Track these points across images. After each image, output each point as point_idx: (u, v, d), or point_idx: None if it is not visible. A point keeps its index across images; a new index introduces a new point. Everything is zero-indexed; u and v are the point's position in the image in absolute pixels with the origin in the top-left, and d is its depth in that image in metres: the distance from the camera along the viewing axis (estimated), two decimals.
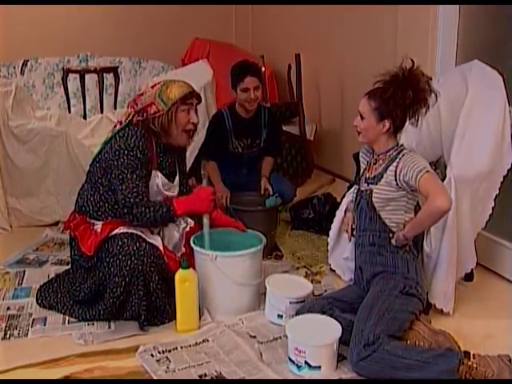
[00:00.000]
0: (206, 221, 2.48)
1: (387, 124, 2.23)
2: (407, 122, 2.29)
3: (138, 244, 2.31)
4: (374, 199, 2.26)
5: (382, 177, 2.25)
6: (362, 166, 2.46)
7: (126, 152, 2.35)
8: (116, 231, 2.39)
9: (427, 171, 2.14)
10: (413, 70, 2.20)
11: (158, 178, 2.47)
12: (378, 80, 2.24)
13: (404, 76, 2.20)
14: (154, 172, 2.46)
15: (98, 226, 2.45)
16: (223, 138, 3.39)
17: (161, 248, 2.42)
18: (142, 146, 2.37)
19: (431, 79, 2.25)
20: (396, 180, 2.20)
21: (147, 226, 2.43)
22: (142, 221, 2.36)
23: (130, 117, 2.45)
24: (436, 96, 2.25)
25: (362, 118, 2.28)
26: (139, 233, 2.39)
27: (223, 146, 3.40)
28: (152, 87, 2.47)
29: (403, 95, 2.18)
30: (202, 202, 2.43)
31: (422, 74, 2.21)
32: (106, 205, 2.45)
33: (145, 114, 2.42)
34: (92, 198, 2.47)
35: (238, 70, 3.38)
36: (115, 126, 2.51)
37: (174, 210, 2.38)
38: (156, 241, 2.43)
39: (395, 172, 2.20)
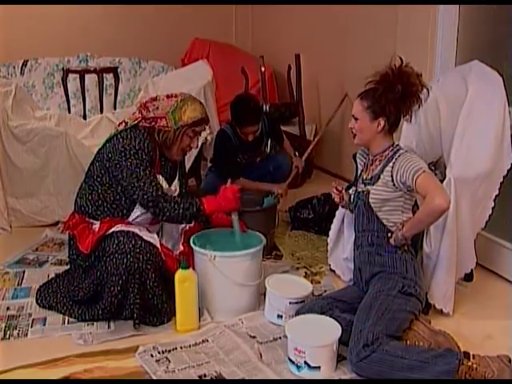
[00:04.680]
0: (234, 217, 2.52)
1: (382, 122, 2.24)
2: (401, 120, 2.30)
3: (133, 242, 2.31)
4: (371, 200, 2.26)
5: (378, 178, 2.25)
6: (359, 168, 2.47)
7: (132, 152, 2.36)
8: (113, 229, 2.39)
9: (424, 171, 2.14)
10: (402, 66, 2.22)
11: (161, 182, 2.47)
12: (370, 81, 2.25)
13: (394, 74, 2.21)
14: (156, 176, 2.46)
15: (97, 225, 2.45)
16: (232, 154, 3.52)
17: (157, 246, 2.42)
18: (147, 147, 2.38)
19: (421, 75, 2.25)
20: (393, 181, 2.21)
21: (173, 222, 2.48)
22: (169, 216, 2.38)
23: (137, 121, 2.45)
24: (428, 91, 2.25)
25: (356, 119, 2.30)
26: (136, 231, 2.39)
27: (233, 159, 3.52)
28: (167, 97, 2.47)
29: (393, 91, 2.19)
30: (230, 201, 2.46)
31: (411, 70, 2.22)
32: (105, 203, 2.45)
33: (152, 123, 2.44)
34: (90, 197, 2.46)
35: (238, 115, 3.42)
36: (119, 125, 2.51)
37: (204, 210, 2.40)
38: (153, 239, 2.43)
39: (391, 172, 2.21)
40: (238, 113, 3.43)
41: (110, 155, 2.40)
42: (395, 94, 2.19)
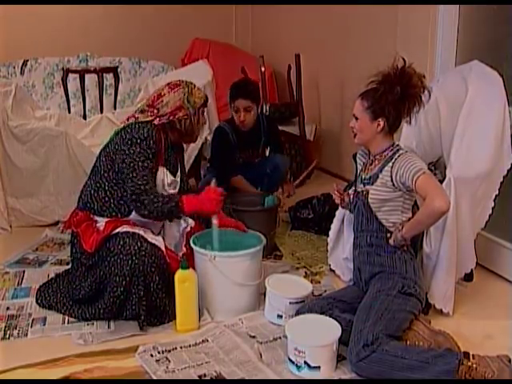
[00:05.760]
0: (214, 221, 2.48)
1: (381, 123, 2.24)
2: (402, 122, 2.30)
3: (139, 244, 2.31)
4: (370, 200, 2.26)
5: (377, 177, 2.25)
6: (359, 168, 2.46)
7: (138, 141, 2.37)
8: (118, 229, 2.39)
9: (424, 172, 2.13)
10: (404, 67, 2.21)
11: (163, 175, 2.48)
12: (371, 80, 2.25)
13: (396, 74, 2.21)
14: (160, 168, 2.47)
15: (101, 223, 2.44)
16: (230, 152, 3.47)
17: (162, 248, 2.41)
18: (154, 136, 2.40)
19: (424, 77, 2.25)
20: (392, 181, 2.20)
21: (151, 217, 2.41)
22: (149, 209, 2.35)
23: (151, 119, 2.46)
24: (429, 93, 2.25)
25: (357, 119, 2.30)
26: (141, 232, 2.39)
27: (229, 157, 3.48)
28: (171, 89, 2.50)
29: (393, 92, 2.19)
30: (211, 203, 2.43)
31: (414, 72, 2.22)
32: (112, 200, 2.44)
33: (171, 117, 2.47)
34: (96, 194, 2.46)
35: (232, 90, 3.43)
36: (128, 119, 2.52)
37: (182, 207, 2.38)
38: (158, 241, 2.43)
39: (391, 173, 2.20)
40: (233, 86, 3.44)
41: (116, 146, 2.41)
42: (395, 95, 2.19)
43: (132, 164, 2.36)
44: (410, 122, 2.29)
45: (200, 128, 2.61)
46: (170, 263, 2.40)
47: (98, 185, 2.46)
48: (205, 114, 2.63)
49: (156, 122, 2.46)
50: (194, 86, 2.57)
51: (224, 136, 3.46)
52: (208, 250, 2.42)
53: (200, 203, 2.42)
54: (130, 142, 2.37)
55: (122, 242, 2.31)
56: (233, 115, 3.43)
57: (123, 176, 2.38)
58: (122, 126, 2.49)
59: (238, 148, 3.49)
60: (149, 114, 2.49)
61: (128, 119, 2.52)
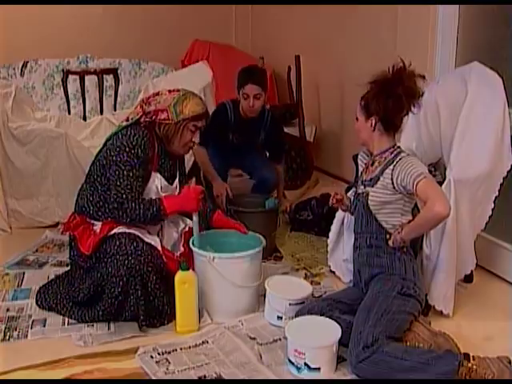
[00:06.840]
0: (195, 219, 2.48)
1: (373, 121, 2.24)
2: (401, 122, 2.30)
3: (135, 244, 2.31)
4: (370, 202, 2.26)
5: (378, 179, 2.25)
6: (360, 169, 2.46)
7: (127, 149, 2.36)
8: (115, 231, 2.39)
9: (425, 176, 2.13)
10: (402, 69, 2.22)
11: (157, 180, 2.48)
12: (373, 81, 2.26)
13: (393, 75, 2.22)
14: (153, 174, 2.47)
15: (98, 226, 2.45)
16: (223, 129, 3.41)
17: (159, 248, 2.42)
18: (143, 144, 2.38)
19: (424, 78, 2.25)
20: (393, 184, 2.20)
21: (136, 223, 2.42)
22: (131, 217, 2.35)
23: (138, 116, 2.46)
24: (422, 95, 2.25)
25: (357, 119, 2.32)
26: (137, 233, 2.39)
27: (222, 135, 3.42)
28: (170, 92, 2.49)
29: (387, 92, 2.20)
30: (191, 202, 2.43)
31: (411, 73, 2.22)
32: (106, 205, 2.44)
33: (153, 117, 2.44)
34: (91, 198, 2.47)
35: (242, 75, 3.37)
36: (122, 122, 2.52)
37: (164, 210, 2.38)
38: (154, 241, 2.43)
39: (391, 176, 2.20)
40: (244, 70, 3.37)
41: (108, 152, 2.41)
42: (389, 94, 2.20)
43: (117, 172, 2.36)
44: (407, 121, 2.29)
45: (180, 142, 2.48)
46: (167, 263, 2.40)
47: (92, 189, 2.47)
48: (196, 135, 2.50)
49: (142, 120, 2.45)
50: (194, 97, 2.49)
51: (222, 112, 3.40)
52: (207, 251, 2.42)
53: (180, 203, 2.44)
54: (118, 149, 2.37)
55: (118, 243, 2.32)
56: (240, 100, 3.35)
57: (109, 183, 2.39)
58: (115, 130, 2.48)
59: (234, 129, 3.42)
60: (139, 108, 2.48)
61: (126, 119, 2.51)
